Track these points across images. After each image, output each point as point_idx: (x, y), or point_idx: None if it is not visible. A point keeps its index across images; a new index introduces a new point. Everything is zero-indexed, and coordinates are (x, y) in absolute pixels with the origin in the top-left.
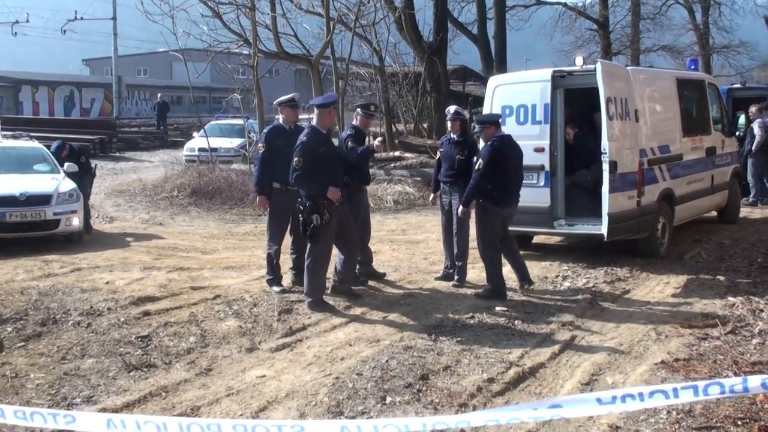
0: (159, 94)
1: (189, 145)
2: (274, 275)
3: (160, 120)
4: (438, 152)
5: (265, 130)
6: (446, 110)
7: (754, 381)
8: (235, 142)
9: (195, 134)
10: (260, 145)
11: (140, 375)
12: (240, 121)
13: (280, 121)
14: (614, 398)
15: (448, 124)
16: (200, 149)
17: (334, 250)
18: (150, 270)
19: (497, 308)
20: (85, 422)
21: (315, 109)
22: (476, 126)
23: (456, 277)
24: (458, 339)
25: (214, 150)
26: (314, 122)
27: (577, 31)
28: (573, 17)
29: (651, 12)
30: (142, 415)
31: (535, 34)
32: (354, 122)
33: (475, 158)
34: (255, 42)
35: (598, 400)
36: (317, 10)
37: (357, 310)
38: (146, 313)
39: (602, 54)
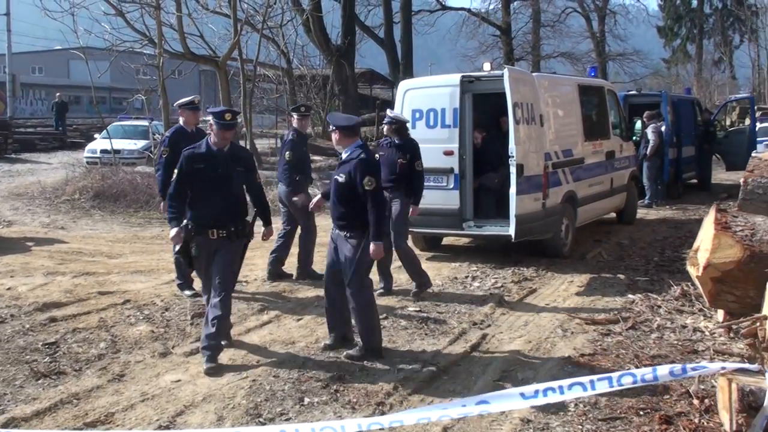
0: (58, 94)
1: (91, 146)
2: (184, 279)
3: (58, 120)
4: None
5: (167, 133)
6: (386, 113)
7: (663, 370)
8: (139, 143)
9: (97, 135)
10: (164, 148)
11: (49, 383)
12: (144, 123)
13: (182, 123)
14: (536, 392)
15: (385, 128)
16: (102, 151)
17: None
18: (54, 275)
19: (410, 308)
20: None
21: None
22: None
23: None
24: None
25: (118, 152)
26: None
27: (481, 37)
28: (477, 23)
29: (551, 20)
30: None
31: (440, 38)
32: (294, 125)
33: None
34: (160, 42)
35: (522, 395)
36: (224, 11)
37: (271, 313)
38: (52, 320)
39: (505, 59)
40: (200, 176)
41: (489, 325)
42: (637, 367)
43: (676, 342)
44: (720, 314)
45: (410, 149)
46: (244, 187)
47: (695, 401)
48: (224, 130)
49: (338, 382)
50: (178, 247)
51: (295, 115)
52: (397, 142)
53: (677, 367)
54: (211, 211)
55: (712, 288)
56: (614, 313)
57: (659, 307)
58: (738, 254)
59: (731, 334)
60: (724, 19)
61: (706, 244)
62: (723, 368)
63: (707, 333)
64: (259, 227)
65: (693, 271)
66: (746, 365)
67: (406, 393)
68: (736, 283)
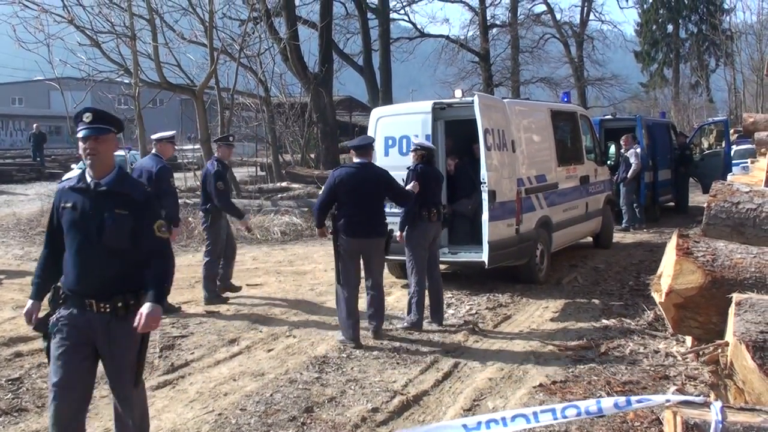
0: (35, 125)
1: (67, 176)
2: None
3: (36, 151)
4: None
5: (153, 169)
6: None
7: (607, 402)
8: None
9: (74, 166)
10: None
11: (10, 420)
12: (122, 152)
13: (155, 152)
14: (479, 424)
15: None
16: None
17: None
18: (24, 309)
19: (383, 339)
20: None
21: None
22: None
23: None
24: (343, 370)
25: None
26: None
27: (460, 63)
28: (456, 50)
29: (529, 46)
30: None
31: (420, 65)
32: (216, 154)
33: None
34: (136, 72)
35: (465, 426)
36: (200, 40)
37: (242, 344)
38: (18, 355)
39: (484, 85)
40: (67, 219)
41: (462, 353)
42: (608, 394)
43: (648, 368)
44: (689, 340)
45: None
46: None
47: (666, 429)
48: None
49: (306, 414)
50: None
51: (222, 144)
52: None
53: (621, 399)
54: (78, 273)
55: (675, 314)
56: (588, 339)
57: (632, 332)
58: (700, 280)
59: (701, 360)
60: (700, 44)
61: (668, 270)
62: (668, 401)
63: (679, 358)
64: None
65: (657, 297)
66: (691, 397)
67: (374, 425)
68: (699, 308)
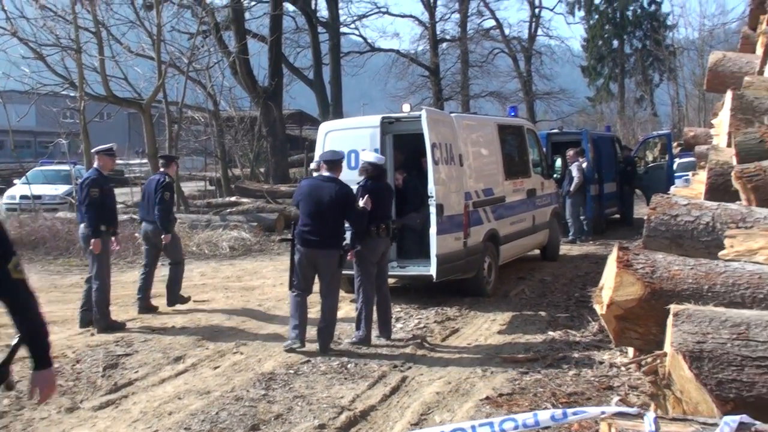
0: None
1: (9, 192)
2: (107, 317)
3: None
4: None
5: (90, 175)
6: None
7: (544, 415)
8: (60, 189)
9: (16, 181)
10: (90, 189)
11: None
12: (66, 167)
13: (97, 167)
14: None
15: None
16: (22, 197)
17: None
18: None
19: (330, 352)
20: None
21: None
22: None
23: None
24: (291, 386)
25: (38, 197)
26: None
27: (411, 77)
28: (406, 64)
29: (479, 60)
30: None
31: (371, 79)
32: (95, 165)
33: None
34: (81, 85)
35: None
36: (148, 54)
37: (188, 362)
38: None
39: (434, 99)
40: None
41: (410, 367)
42: (554, 406)
43: (592, 378)
44: (631, 350)
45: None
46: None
47: None
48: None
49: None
50: None
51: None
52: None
53: (558, 411)
54: None
55: (616, 326)
56: (534, 352)
57: (578, 343)
58: (639, 291)
59: (641, 370)
60: (644, 59)
61: (609, 282)
62: (603, 412)
63: (623, 369)
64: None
65: (598, 309)
66: (625, 409)
67: None
68: (639, 320)
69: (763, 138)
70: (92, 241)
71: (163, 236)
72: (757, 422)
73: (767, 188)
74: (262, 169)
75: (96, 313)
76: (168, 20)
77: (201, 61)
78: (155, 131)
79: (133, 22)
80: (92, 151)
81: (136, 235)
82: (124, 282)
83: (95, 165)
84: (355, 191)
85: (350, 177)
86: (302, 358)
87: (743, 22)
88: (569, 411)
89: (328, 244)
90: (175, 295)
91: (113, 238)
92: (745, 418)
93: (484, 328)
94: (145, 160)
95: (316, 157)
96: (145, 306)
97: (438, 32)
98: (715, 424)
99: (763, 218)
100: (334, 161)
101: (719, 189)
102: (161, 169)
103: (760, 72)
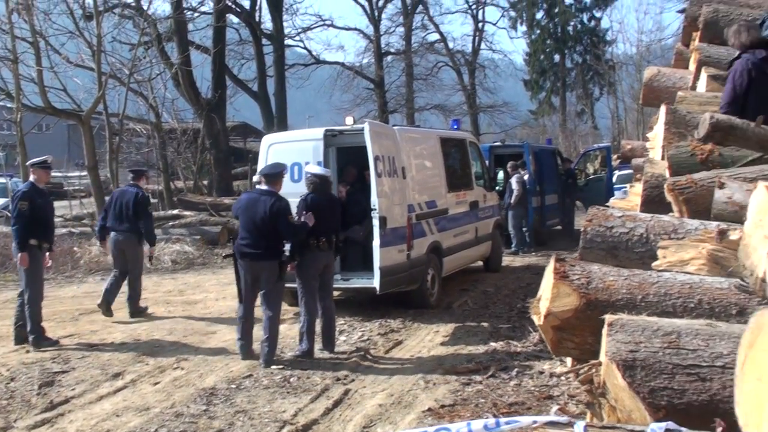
0: None
1: None
2: (38, 333)
3: None
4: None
5: (23, 188)
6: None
7: (477, 425)
8: None
9: None
10: (20, 202)
11: None
12: (2, 180)
13: (32, 180)
14: None
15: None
16: None
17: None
18: None
19: (273, 366)
20: None
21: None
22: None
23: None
24: (232, 401)
25: None
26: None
27: (356, 90)
28: (351, 77)
29: (423, 73)
30: None
31: (316, 92)
32: (31, 178)
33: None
34: (18, 96)
35: None
36: (88, 64)
37: (127, 378)
38: None
39: (379, 112)
40: None
41: (353, 380)
42: (495, 416)
43: (533, 388)
44: (569, 360)
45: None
46: None
47: None
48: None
49: None
50: None
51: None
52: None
53: (491, 421)
54: None
55: (553, 336)
56: (476, 362)
57: (519, 354)
58: (575, 302)
59: (577, 380)
60: (585, 73)
61: (546, 293)
62: (535, 422)
63: (562, 378)
64: None
65: (536, 320)
66: (556, 418)
67: None
68: (575, 330)
69: (694, 151)
70: (19, 255)
71: (148, 249)
72: (683, 428)
73: (698, 200)
74: (205, 182)
75: (30, 330)
76: (109, 31)
77: (143, 73)
78: (95, 143)
79: (72, 32)
80: (27, 164)
81: (75, 249)
82: (62, 297)
83: (31, 178)
84: (298, 204)
85: (294, 190)
86: (244, 372)
87: (678, 38)
88: (502, 421)
89: (265, 257)
90: (137, 307)
91: (47, 254)
92: (671, 424)
93: (428, 339)
94: (84, 173)
95: (259, 170)
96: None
97: (383, 45)
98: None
99: (694, 229)
100: (272, 174)
101: (654, 201)
102: (131, 182)
103: (693, 87)
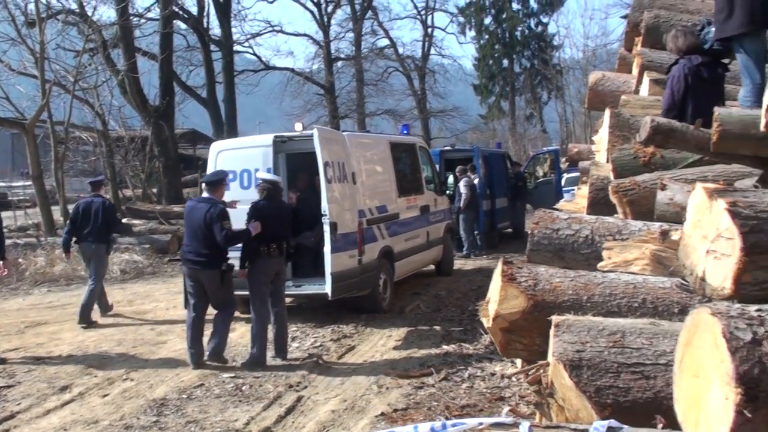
0: None
1: None
2: None
3: None
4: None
5: None
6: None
7: (424, 427)
8: None
9: None
10: None
11: None
12: None
13: None
14: None
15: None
16: None
17: None
18: None
19: (224, 375)
20: None
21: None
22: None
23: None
24: (183, 411)
25: None
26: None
27: (306, 96)
28: (301, 82)
29: (374, 78)
30: None
31: (266, 98)
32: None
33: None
34: None
35: None
36: (31, 72)
37: (75, 391)
38: None
39: (330, 117)
40: None
41: (305, 387)
42: (447, 418)
43: (485, 390)
44: (519, 361)
45: None
46: None
47: None
48: None
49: None
50: None
51: None
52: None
53: (438, 423)
54: None
55: (502, 338)
56: (429, 366)
57: (471, 356)
58: (522, 304)
59: (526, 380)
60: (533, 78)
61: (494, 296)
62: (480, 423)
63: (513, 379)
64: None
65: (485, 322)
66: (501, 419)
67: None
68: (523, 332)
69: (637, 154)
70: None
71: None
72: (624, 426)
73: (642, 202)
74: (154, 190)
75: None
76: (52, 37)
77: (88, 80)
78: (40, 152)
79: (14, 39)
80: None
81: (20, 260)
82: (7, 310)
83: None
84: (248, 211)
85: (245, 197)
86: (195, 382)
87: (622, 43)
88: (448, 423)
89: (207, 264)
90: (88, 315)
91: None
92: (613, 422)
93: (380, 344)
94: (29, 182)
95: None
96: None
97: (333, 51)
98: (586, 430)
99: (637, 230)
100: (213, 182)
101: (600, 203)
102: (92, 193)
103: (636, 91)
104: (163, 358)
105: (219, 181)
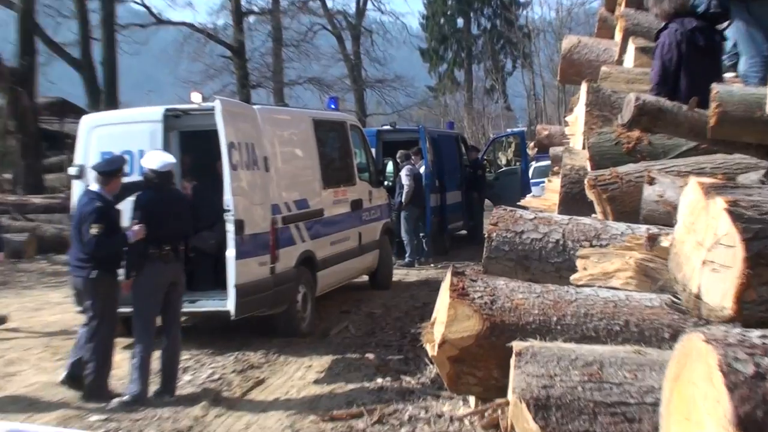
0: None
1: None
2: None
3: None
4: None
5: None
6: None
7: None
8: None
9: None
10: None
11: None
12: None
13: None
14: None
15: None
16: None
17: None
18: None
19: (93, 417)
20: None
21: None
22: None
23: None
24: None
25: None
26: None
27: (208, 58)
28: (202, 41)
29: (295, 39)
30: None
31: (158, 60)
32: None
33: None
34: None
35: None
36: None
37: None
38: None
39: (239, 86)
40: None
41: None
42: None
43: None
44: (472, 399)
45: None
46: None
47: None
48: None
49: None
50: None
51: None
52: None
53: None
54: None
55: (450, 369)
56: (359, 405)
57: (413, 392)
58: (477, 326)
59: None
60: (494, 42)
61: (441, 316)
62: None
63: (466, 423)
64: None
65: (429, 349)
66: None
67: None
68: (477, 361)
69: (619, 139)
70: None
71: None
72: None
73: (625, 199)
74: (8, 176)
75: None
76: None
77: None
78: None
79: None
80: None
81: None
82: None
83: None
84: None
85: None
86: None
87: (603, 2)
88: None
89: (73, 270)
90: None
91: None
92: None
93: (297, 377)
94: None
95: (78, 160)
96: None
97: (243, 2)
98: None
99: (620, 234)
100: (106, 172)
101: (575, 199)
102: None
103: (619, 61)
104: (10, 396)
105: (113, 172)
